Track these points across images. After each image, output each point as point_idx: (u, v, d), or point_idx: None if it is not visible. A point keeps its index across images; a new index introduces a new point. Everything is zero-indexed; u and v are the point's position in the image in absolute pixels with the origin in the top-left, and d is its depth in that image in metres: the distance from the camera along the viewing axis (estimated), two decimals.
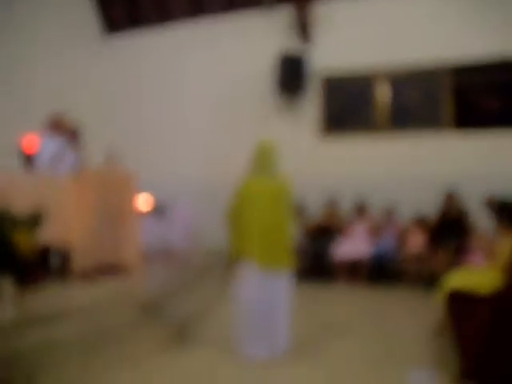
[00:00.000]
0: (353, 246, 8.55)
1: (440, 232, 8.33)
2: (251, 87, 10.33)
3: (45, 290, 5.45)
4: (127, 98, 11.31)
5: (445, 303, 4.20)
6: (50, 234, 5.14)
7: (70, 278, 5.90)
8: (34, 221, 4.77)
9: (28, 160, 6.99)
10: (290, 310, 4.85)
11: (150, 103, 11.19)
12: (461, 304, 4.03)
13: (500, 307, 3.87)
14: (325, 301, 7.50)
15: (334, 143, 9.87)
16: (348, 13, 9.78)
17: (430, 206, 8.64)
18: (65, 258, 6.00)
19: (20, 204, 4.79)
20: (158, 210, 7.78)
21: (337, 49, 9.75)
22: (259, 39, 10.29)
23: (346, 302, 7.52)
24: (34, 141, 6.89)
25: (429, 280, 7.76)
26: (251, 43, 10.36)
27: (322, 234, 9.07)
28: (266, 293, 4.73)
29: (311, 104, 10.05)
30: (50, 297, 5.20)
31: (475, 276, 4.60)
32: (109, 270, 6.43)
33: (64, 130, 6.84)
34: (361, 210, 8.99)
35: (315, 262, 8.92)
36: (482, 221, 7.90)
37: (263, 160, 4.91)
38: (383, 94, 9.68)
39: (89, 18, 11.41)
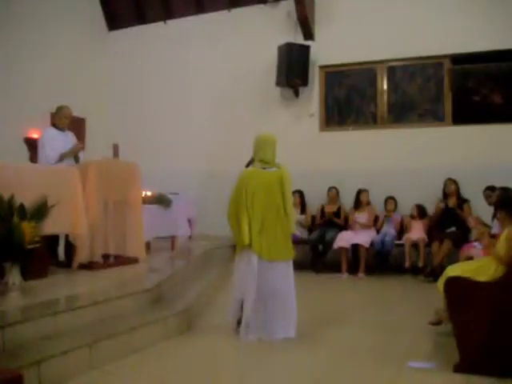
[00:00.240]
0: (354, 236, 8.62)
1: (440, 220, 8.39)
2: (253, 81, 10.35)
3: (52, 279, 5.55)
4: (130, 92, 11.34)
5: (444, 292, 4.25)
6: (56, 224, 5.20)
7: (76, 267, 5.98)
8: (41, 211, 4.82)
9: (33, 152, 7.03)
10: (290, 297, 4.94)
11: (153, 98, 11.22)
12: (460, 292, 4.08)
13: (499, 296, 3.94)
14: (326, 289, 7.58)
15: (334, 135, 9.90)
16: (349, 6, 9.79)
17: (430, 197, 8.70)
18: (71, 247, 6.07)
19: (26, 194, 4.83)
20: (162, 201, 7.82)
21: (337, 42, 9.75)
22: (261, 33, 10.30)
23: (346, 291, 7.60)
24: (39, 133, 6.92)
25: (429, 269, 7.84)
26: (253, 37, 10.37)
27: (324, 223, 9.14)
28: (267, 281, 4.85)
29: (312, 97, 10.06)
30: (56, 286, 5.28)
31: (475, 264, 4.66)
32: (114, 259, 6.52)
33: (70, 122, 6.86)
34: (362, 200, 9.04)
35: (317, 250, 9.00)
36: (481, 212, 7.97)
37: (262, 151, 5.01)
38: (383, 86, 9.70)
39: (92, 14, 11.43)
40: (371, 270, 8.54)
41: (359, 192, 9.08)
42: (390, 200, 8.89)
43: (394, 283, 8.00)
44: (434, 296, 5.20)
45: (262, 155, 5.00)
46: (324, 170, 9.62)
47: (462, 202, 8.39)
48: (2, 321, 3.88)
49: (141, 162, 6.97)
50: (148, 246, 7.42)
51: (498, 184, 7.38)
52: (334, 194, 9.33)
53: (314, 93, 10.07)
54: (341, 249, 8.58)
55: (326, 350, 4.63)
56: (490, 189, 7.63)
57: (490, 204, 7.50)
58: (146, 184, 7.28)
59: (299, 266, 8.93)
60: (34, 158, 7.08)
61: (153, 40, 11.28)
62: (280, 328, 4.89)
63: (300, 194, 9.46)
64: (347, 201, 9.34)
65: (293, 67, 9.68)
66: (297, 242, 8.88)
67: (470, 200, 8.36)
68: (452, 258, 7.25)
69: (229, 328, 5.08)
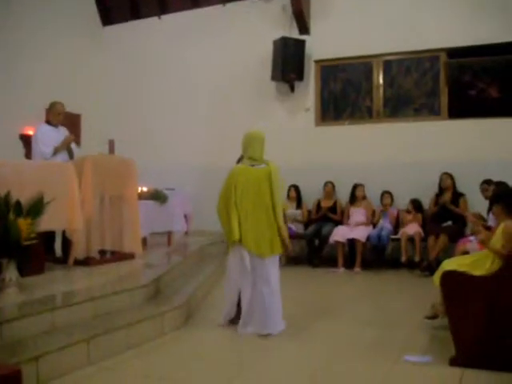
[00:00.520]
0: (350, 231, 8.64)
1: (437, 215, 8.41)
2: (248, 76, 10.33)
3: (48, 275, 5.55)
4: (125, 88, 11.30)
5: (441, 286, 4.27)
6: (52, 220, 5.19)
7: (72, 262, 5.98)
8: (37, 207, 4.82)
9: (28, 148, 7.04)
10: (280, 291, 5.03)
11: (149, 93, 11.18)
12: (456, 286, 4.10)
13: (495, 290, 3.95)
14: (322, 284, 7.60)
15: (330, 130, 9.90)
16: (344, 0, 9.77)
17: (426, 191, 8.71)
18: (68, 243, 6.07)
19: (22, 191, 4.82)
20: (158, 197, 7.83)
21: (333, 36, 9.74)
22: (256, 28, 10.28)
23: (343, 285, 7.63)
24: (34, 130, 6.92)
25: (426, 263, 7.87)
26: (248, 32, 10.34)
27: (320, 217, 9.16)
28: (256, 276, 4.94)
29: (308, 91, 10.06)
30: (53, 282, 5.28)
31: (471, 259, 4.67)
32: (111, 255, 6.52)
33: (64, 118, 6.86)
34: (358, 195, 9.05)
35: (313, 245, 9.02)
36: (477, 206, 8.00)
37: (251, 149, 5.08)
38: (379, 80, 9.71)
39: (86, 9, 11.37)
40: (367, 265, 8.56)
41: (355, 186, 9.09)
42: (386, 194, 8.90)
43: (390, 277, 8.02)
44: (430, 290, 5.23)
45: (250, 152, 5.08)
46: (320, 165, 9.62)
47: (458, 196, 8.40)
48: (0, 317, 3.88)
49: (137, 158, 6.96)
50: (144, 241, 7.43)
51: (494, 178, 7.42)
52: (329, 188, 9.34)
53: (309, 87, 10.07)
54: (337, 243, 8.60)
55: (322, 344, 4.66)
56: (487, 182, 7.66)
57: (486, 198, 7.52)
58: (142, 180, 7.28)
59: (296, 260, 9.06)
60: (29, 154, 7.08)
61: (147, 35, 11.23)
62: (276, 322, 4.94)
63: (296, 188, 9.48)
64: (343, 195, 9.35)
65: (288, 62, 9.67)
66: (293, 236, 8.96)
67: (466, 194, 8.38)
68: (448, 253, 7.28)
69: (218, 323, 5.16)
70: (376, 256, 8.78)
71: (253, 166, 5.05)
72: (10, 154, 7.32)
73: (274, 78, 9.94)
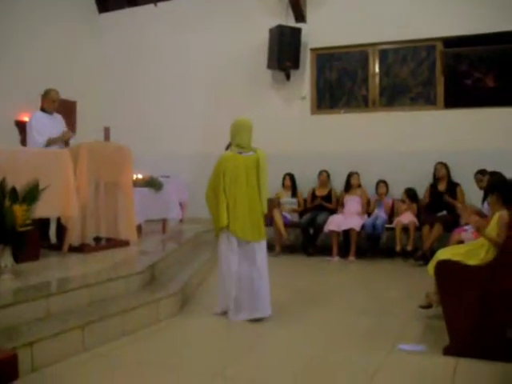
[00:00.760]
0: (345, 219, 8.65)
1: (431, 204, 8.43)
2: (244, 64, 10.30)
3: (43, 261, 5.55)
4: (121, 75, 11.23)
5: (435, 275, 4.28)
6: (47, 206, 5.18)
7: (67, 249, 5.98)
8: (32, 194, 4.81)
9: (24, 135, 7.01)
10: (268, 277, 5.10)
11: (144, 81, 11.12)
12: (450, 275, 4.12)
13: (489, 279, 3.97)
14: (317, 272, 7.62)
15: (326, 119, 9.88)
16: None
17: (421, 180, 8.72)
18: (63, 230, 6.06)
19: (17, 177, 4.82)
20: (153, 184, 7.82)
21: (329, 25, 9.68)
22: (252, 16, 10.22)
23: (337, 274, 7.65)
24: (29, 116, 6.89)
25: (420, 253, 7.89)
26: (244, 20, 10.28)
27: (314, 206, 9.17)
28: (245, 262, 5.03)
29: (304, 79, 10.04)
30: (48, 268, 5.28)
31: (465, 248, 4.69)
32: (106, 241, 6.52)
33: (59, 105, 6.83)
34: (353, 183, 9.06)
35: (308, 234, 9.03)
36: (472, 196, 8.03)
37: (239, 136, 5.14)
38: (375, 69, 9.68)
39: None
40: (362, 254, 8.59)
41: (350, 175, 9.09)
42: (382, 184, 8.89)
43: (385, 267, 8.05)
44: (425, 279, 5.26)
45: (238, 140, 5.13)
46: (315, 153, 9.61)
47: (454, 185, 8.41)
48: None
49: (132, 146, 6.95)
50: (139, 228, 7.43)
51: (489, 168, 7.42)
52: (324, 177, 9.33)
53: (305, 75, 10.04)
54: (331, 232, 8.61)
55: (317, 332, 4.68)
56: (481, 172, 7.66)
57: (480, 188, 7.54)
58: (137, 167, 7.26)
59: (290, 249, 9.09)
60: (24, 141, 7.05)
61: (143, 22, 11.15)
62: (266, 305, 5.02)
63: (291, 177, 9.48)
64: (338, 184, 9.36)
65: (284, 50, 9.63)
66: (288, 225, 9.00)
67: (461, 184, 8.39)
68: (442, 242, 7.30)
69: (214, 311, 5.20)
70: (370, 245, 8.80)
71: (241, 153, 5.11)
72: (6, 141, 7.29)
73: (269, 66, 9.90)
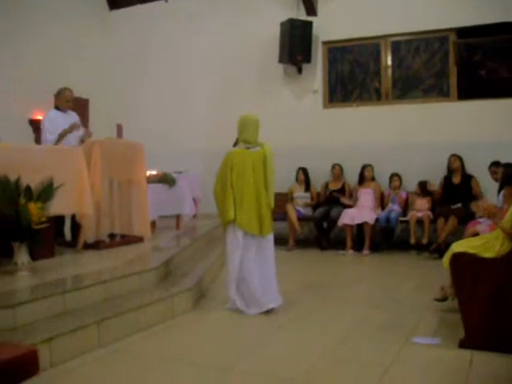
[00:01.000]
0: (359, 213, 8.63)
1: (446, 197, 8.38)
2: (255, 58, 10.29)
3: (59, 258, 5.59)
4: (133, 72, 11.24)
5: (450, 268, 4.26)
6: (62, 204, 5.21)
7: (81, 246, 6.02)
8: (47, 192, 4.85)
9: (38, 133, 7.04)
10: (275, 270, 5.17)
11: (156, 77, 11.13)
12: (466, 268, 4.10)
13: (505, 272, 3.95)
14: (331, 266, 7.60)
15: (338, 112, 9.85)
16: None
17: (435, 173, 8.66)
18: (77, 227, 6.10)
19: (32, 175, 4.85)
20: (166, 180, 7.83)
21: (340, 17, 9.65)
22: (263, 9, 10.20)
23: (351, 268, 7.65)
24: (43, 115, 6.92)
25: (435, 246, 7.86)
26: (255, 14, 10.26)
27: (328, 200, 9.15)
28: (253, 255, 5.09)
29: (315, 73, 10.00)
30: (64, 265, 5.31)
31: (481, 240, 4.65)
32: (120, 238, 6.56)
33: (72, 103, 6.85)
34: (366, 175, 9.03)
35: (322, 228, 9.03)
36: (487, 188, 7.97)
37: (246, 132, 5.21)
38: (387, 61, 9.63)
39: None
40: (376, 247, 8.57)
41: (364, 167, 9.06)
42: (395, 177, 8.85)
43: (399, 260, 8.03)
44: (440, 272, 5.24)
45: (245, 135, 5.20)
46: (328, 147, 9.58)
47: (468, 178, 8.35)
48: (13, 300, 3.94)
49: (145, 142, 6.96)
50: (153, 224, 7.45)
51: (503, 160, 7.36)
52: (337, 170, 9.31)
53: (317, 69, 10.01)
54: (345, 226, 8.60)
55: (331, 326, 4.68)
56: (495, 164, 7.61)
57: (495, 180, 7.48)
58: (150, 164, 7.28)
59: (304, 243, 9.09)
60: (39, 139, 7.09)
61: (154, 19, 11.16)
62: (276, 296, 5.08)
63: (304, 171, 9.46)
64: (352, 177, 9.33)
65: (295, 43, 9.60)
66: (301, 219, 9.00)
67: (476, 176, 8.33)
68: (457, 235, 7.25)
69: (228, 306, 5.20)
70: (385, 238, 8.78)
71: (248, 148, 5.17)
72: (19, 139, 7.33)
73: (281, 60, 9.88)
